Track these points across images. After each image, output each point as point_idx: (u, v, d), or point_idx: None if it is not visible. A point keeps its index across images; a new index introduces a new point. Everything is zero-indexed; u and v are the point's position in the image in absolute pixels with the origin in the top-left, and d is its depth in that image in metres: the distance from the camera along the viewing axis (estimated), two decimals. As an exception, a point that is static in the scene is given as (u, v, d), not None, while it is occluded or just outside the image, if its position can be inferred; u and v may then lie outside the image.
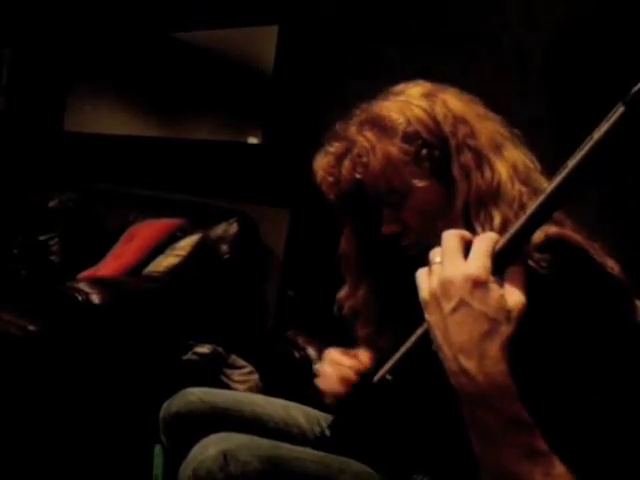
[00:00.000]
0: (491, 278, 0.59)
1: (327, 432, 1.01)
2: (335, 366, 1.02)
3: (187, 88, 3.07)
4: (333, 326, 1.33)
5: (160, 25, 3.21)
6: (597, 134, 0.53)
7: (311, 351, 2.05)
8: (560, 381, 0.66)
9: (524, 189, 0.82)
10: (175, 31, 3.13)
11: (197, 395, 1.14)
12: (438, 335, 0.61)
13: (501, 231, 0.77)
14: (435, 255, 0.63)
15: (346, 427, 0.96)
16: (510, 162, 0.85)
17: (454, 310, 0.59)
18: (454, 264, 0.60)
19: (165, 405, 1.16)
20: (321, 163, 0.97)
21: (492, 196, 0.82)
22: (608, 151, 0.53)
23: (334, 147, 0.95)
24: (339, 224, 1.05)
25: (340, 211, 1.01)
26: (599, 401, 0.65)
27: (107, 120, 3.43)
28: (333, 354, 1.05)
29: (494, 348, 0.58)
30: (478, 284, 0.58)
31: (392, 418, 0.95)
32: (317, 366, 1.05)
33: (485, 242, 0.61)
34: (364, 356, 1.00)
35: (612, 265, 0.75)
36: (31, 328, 1.96)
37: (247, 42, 2.82)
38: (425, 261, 0.65)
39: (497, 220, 0.80)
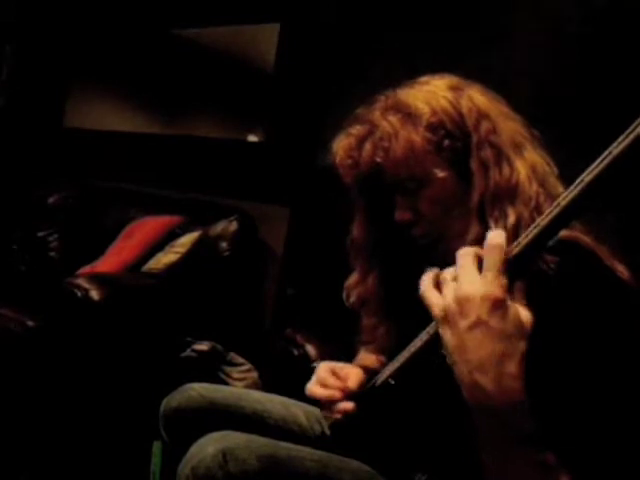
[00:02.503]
0: (508, 296, 0.59)
1: (327, 431, 1.01)
2: (323, 389, 0.98)
3: (188, 85, 3.06)
4: (332, 324, 1.33)
5: (161, 22, 3.21)
6: (616, 150, 0.52)
7: (310, 349, 2.05)
8: (566, 384, 0.66)
9: (541, 190, 0.82)
10: (176, 28, 3.12)
11: (197, 391, 1.14)
12: (453, 351, 0.60)
13: (514, 229, 0.77)
14: (447, 273, 0.63)
15: (346, 427, 0.96)
16: (529, 162, 0.85)
17: (471, 328, 0.59)
18: (469, 281, 0.60)
19: (165, 400, 1.16)
20: (342, 144, 0.96)
21: (508, 193, 0.82)
22: (626, 168, 0.52)
23: (356, 130, 0.94)
24: (340, 221, 1.04)
25: (355, 195, 1.01)
26: (603, 403, 0.65)
27: (107, 117, 3.42)
28: (321, 373, 1.01)
29: (512, 366, 0.58)
30: (497, 303, 0.58)
31: (393, 419, 0.95)
32: (308, 384, 1.01)
33: (496, 255, 0.60)
34: (354, 376, 0.96)
35: (621, 269, 0.75)
36: (30, 324, 1.96)
37: (248, 40, 2.81)
38: (434, 252, 0.65)
39: (512, 218, 0.80)
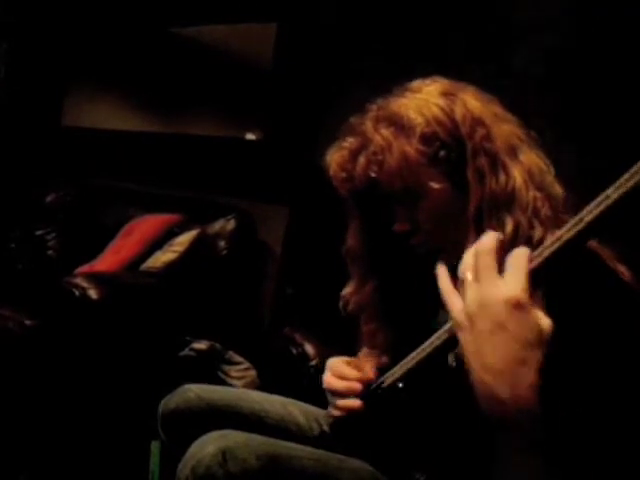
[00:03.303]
0: (530, 300, 0.57)
1: (327, 430, 1.02)
2: (342, 380, 0.98)
3: (186, 84, 3.06)
4: (330, 323, 1.33)
5: (159, 20, 3.20)
6: None
7: (308, 348, 2.05)
8: (572, 389, 0.66)
9: (538, 194, 0.81)
10: (175, 26, 3.12)
11: (195, 392, 1.13)
12: (471, 356, 0.59)
13: (512, 237, 0.76)
14: (466, 271, 0.61)
15: (347, 425, 0.96)
16: (525, 166, 0.84)
17: (491, 332, 0.57)
18: (492, 283, 0.58)
19: (164, 402, 1.16)
20: (335, 157, 0.96)
21: (505, 201, 0.81)
22: None
23: (349, 142, 0.93)
24: (339, 220, 1.04)
25: (350, 206, 1.00)
26: (608, 407, 0.65)
27: (105, 115, 3.41)
28: (336, 365, 1.01)
29: (529, 374, 0.56)
30: (518, 307, 0.56)
31: (396, 420, 0.95)
32: (324, 376, 1.01)
33: (520, 260, 0.58)
34: (368, 366, 0.97)
35: (623, 270, 0.75)
36: (28, 323, 1.95)
37: (246, 38, 2.81)
38: (432, 260, 0.64)
39: (509, 227, 0.79)
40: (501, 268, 0.59)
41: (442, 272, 0.65)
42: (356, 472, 0.96)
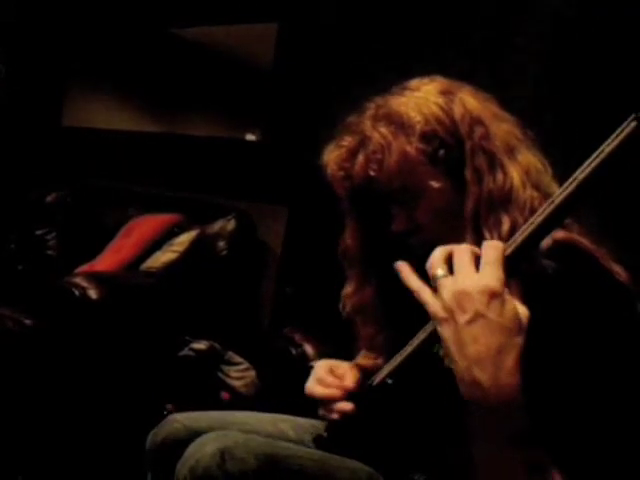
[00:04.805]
0: (506, 290, 0.59)
1: (324, 433, 1.01)
2: (323, 388, 0.98)
3: (185, 84, 3.06)
4: (330, 323, 1.32)
5: (160, 21, 3.20)
6: (608, 148, 0.52)
7: (308, 348, 2.05)
8: (563, 384, 0.66)
9: (535, 194, 0.81)
10: (174, 27, 3.12)
11: (181, 422, 1.08)
12: (452, 347, 0.60)
13: (509, 237, 0.77)
14: (437, 267, 0.62)
15: (343, 427, 0.95)
16: (523, 166, 0.84)
17: (470, 322, 0.58)
18: (468, 275, 0.60)
19: (151, 434, 1.11)
20: (332, 156, 0.95)
21: (503, 201, 0.81)
22: (619, 166, 0.52)
23: (347, 141, 0.93)
24: (338, 220, 1.04)
25: (347, 206, 0.99)
26: (600, 403, 0.65)
27: (105, 116, 3.41)
28: (319, 371, 1.01)
29: (510, 360, 0.58)
30: (494, 296, 0.58)
31: (390, 419, 0.95)
32: (307, 382, 1.01)
33: (495, 251, 0.60)
34: (350, 376, 0.97)
35: (618, 270, 0.75)
36: (28, 323, 1.95)
37: (246, 39, 2.81)
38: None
39: (506, 226, 0.79)
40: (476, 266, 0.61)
41: (406, 270, 0.66)
42: (355, 472, 0.96)
